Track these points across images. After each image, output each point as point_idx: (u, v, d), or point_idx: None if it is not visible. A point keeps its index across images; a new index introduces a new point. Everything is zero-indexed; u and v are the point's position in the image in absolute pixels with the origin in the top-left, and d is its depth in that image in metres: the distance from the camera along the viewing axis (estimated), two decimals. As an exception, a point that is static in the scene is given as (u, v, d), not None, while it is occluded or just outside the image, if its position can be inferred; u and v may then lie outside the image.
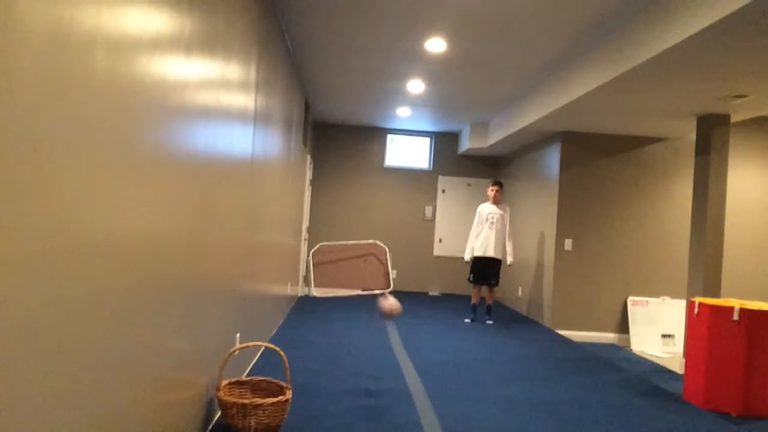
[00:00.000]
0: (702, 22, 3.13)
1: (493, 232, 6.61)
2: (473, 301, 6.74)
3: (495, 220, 6.62)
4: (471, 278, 6.71)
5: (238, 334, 3.42)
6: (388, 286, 8.81)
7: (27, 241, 1.11)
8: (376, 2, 3.91)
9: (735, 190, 6.59)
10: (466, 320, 6.68)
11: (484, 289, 6.81)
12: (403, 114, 7.70)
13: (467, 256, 6.76)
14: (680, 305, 6.50)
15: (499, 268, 6.70)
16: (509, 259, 6.71)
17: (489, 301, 6.76)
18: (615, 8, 3.77)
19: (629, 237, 6.64)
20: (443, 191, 9.02)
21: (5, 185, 1.03)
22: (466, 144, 8.29)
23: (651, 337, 6.38)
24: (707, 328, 3.92)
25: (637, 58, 3.83)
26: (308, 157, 7.70)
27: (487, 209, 6.70)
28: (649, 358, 5.88)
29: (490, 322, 6.65)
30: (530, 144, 7.69)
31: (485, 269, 6.64)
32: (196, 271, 2.37)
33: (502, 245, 6.67)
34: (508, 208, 6.77)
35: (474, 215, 6.96)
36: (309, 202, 8.36)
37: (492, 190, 6.71)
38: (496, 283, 6.72)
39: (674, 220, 6.67)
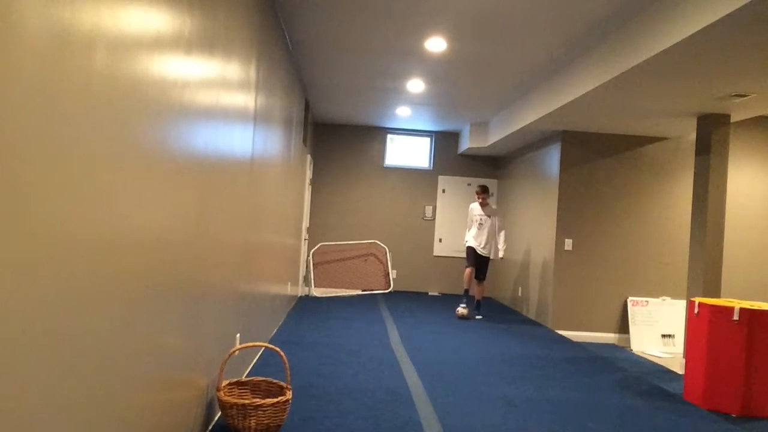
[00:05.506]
0: (702, 22, 3.13)
1: (485, 232, 6.99)
2: (466, 286, 7.00)
3: (483, 222, 6.99)
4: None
5: (238, 334, 3.42)
6: (388, 286, 8.81)
7: (27, 241, 1.11)
8: (376, 1, 3.91)
9: (735, 189, 6.59)
10: (478, 317, 7.00)
11: (474, 283, 7.11)
12: (403, 113, 7.70)
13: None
14: (680, 305, 6.50)
15: (487, 265, 7.08)
16: (501, 254, 7.04)
17: (478, 297, 7.08)
18: (615, 8, 3.77)
19: (629, 237, 6.64)
20: (443, 191, 9.02)
21: (5, 185, 1.03)
22: (466, 143, 8.28)
23: (651, 337, 6.38)
24: (707, 328, 3.92)
25: (636, 57, 3.83)
26: (308, 156, 7.69)
27: (477, 210, 7.04)
28: (649, 358, 5.88)
29: (480, 317, 7.00)
30: (530, 144, 7.69)
31: (476, 260, 7.03)
32: (196, 271, 2.37)
33: (489, 245, 7.02)
34: (495, 209, 7.04)
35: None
36: (309, 202, 8.35)
37: (479, 198, 7.00)
38: (483, 278, 7.07)
39: (674, 220, 6.67)
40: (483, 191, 6.93)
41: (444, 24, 4.24)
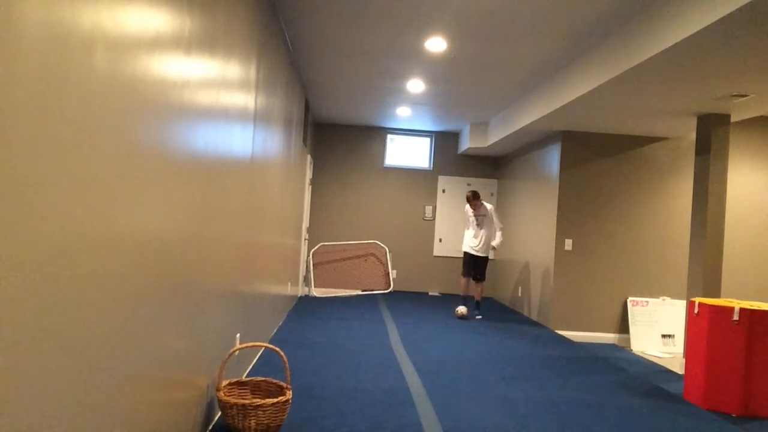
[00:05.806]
0: (702, 22, 3.13)
1: (481, 232, 6.96)
2: (461, 293, 7.08)
3: (480, 222, 6.97)
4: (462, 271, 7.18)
5: (238, 334, 3.42)
6: (388, 286, 8.81)
7: (27, 242, 1.11)
8: (377, 2, 3.91)
9: (735, 190, 6.58)
10: (478, 317, 7.00)
11: (472, 285, 7.10)
12: (403, 114, 7.70)
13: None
14: (680, 305, 6.50)
15: (485, 265, 7.01)
16: (493, 243, 6.92)
17: (477, 297, 7.06)
18: (615, 8, 3.77)
19: (629, 237, 6.63)
20: (443, 191, 9.02)
21: (5, 185, 1.03)
22: (466, 143, 8.28)
23: (651, 337, 6.38)
24: (707, 328, 3.92)
25: (636, 57, 3.83)
26: (308, 156, 7.69)
27: (470, 212, 7.04)
28: (649, 358, 5.88)
29: (479, 317, 7.01)
30: (530, 144, 7.69)
31: (473, 264, 7.03)
32: (196, 271, 2.37)
33: (486, 244, 6.97)
34: (489, 208, 6.97)
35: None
36: (309, 202, 8.35)
37: (470, 204, 6.95)
38: (482, 279, 7.02)
39: (674, 220, 6.67)
40: (474, 197, 6.85)
41: (444, 24, 4.24)
